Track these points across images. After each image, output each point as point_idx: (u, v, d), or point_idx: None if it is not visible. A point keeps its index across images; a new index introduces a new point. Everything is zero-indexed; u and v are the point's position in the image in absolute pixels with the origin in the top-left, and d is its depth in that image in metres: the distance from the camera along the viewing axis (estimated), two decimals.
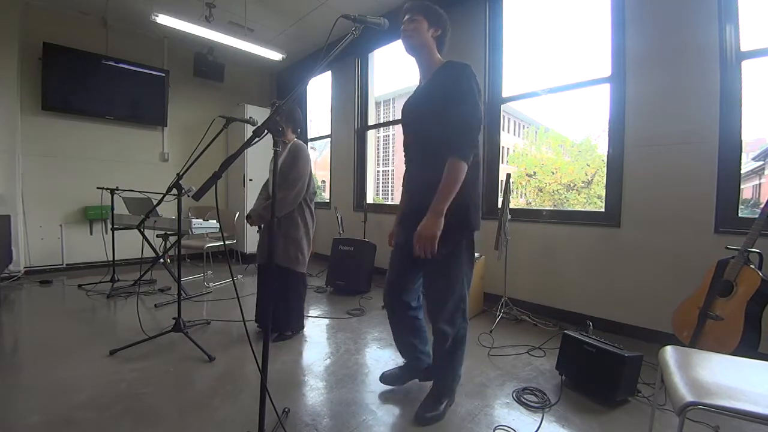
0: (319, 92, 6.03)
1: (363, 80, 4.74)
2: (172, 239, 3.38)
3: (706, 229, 2.22)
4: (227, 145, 5.37)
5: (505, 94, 3.32)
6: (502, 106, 3.35)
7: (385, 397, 1.76)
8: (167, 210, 3.36)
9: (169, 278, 3.50)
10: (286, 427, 1.47)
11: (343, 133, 4.98)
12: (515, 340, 2.46)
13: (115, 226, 3.57)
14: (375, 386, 1.84)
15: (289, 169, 2.28)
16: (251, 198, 4.84)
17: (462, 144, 1.38)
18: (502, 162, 3.44)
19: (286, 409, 1.59)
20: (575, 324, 2.50)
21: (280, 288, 2.35)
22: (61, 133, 4.21)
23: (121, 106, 4.52)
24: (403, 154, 1.71)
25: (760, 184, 3.20)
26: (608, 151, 2.69)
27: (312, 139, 5.90)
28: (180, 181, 2.22)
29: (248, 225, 2.47)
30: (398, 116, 1.75)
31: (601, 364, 1.72)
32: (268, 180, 2.51)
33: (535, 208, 3.87)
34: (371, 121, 4.77)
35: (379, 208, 4.57)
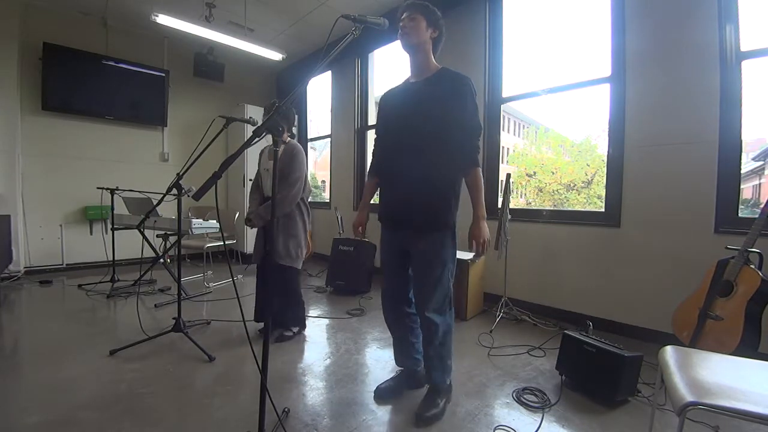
0: (319, 92, 6.03)
1: (363, 80, 4.74)
2: (172, 239, 3.38)
3: (706, 229, 2.22)
4: (227, 145, 5.37)
5: (505, 94, 3.32)
6: (502, 106, 3.35)
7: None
8: (167, 210, 3.36)
9: (169, 278, 3.50)
10: (286, 427, 1.47)
11: (343, 133, 4.98)
12: (515, 340, 2.46)
13: (115, 226, 3.57)
14: (375, 386, 1.83)
15: (288, 169, 2.28)
16: None
17: (477, 155, 1.57)
18: (502, 162, 3.44)
19: (286, 409, 1.59)
20: (575, 324, 2.50)
21: (280, 286, 2.35)
22: (61, 133, 4.21)
23: (121, 106, 4.52)
24: (379, 144, 1.75)
25: (760, 184, 3.20)
26: (608, 151, 2.69)
27: (312, 139, 5.90)
28: (180, 181, 2.22)
29: (247, 227, 2.47)
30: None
31: (601, 364, 1.72)
32: (260, 181, 2.49)
33: (535, 208, 3.86)
34: (371, 121, 4.77)
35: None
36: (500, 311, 2.80)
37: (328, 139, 5.39)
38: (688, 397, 0.94)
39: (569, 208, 4.96)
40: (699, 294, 1.86)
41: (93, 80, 4.28)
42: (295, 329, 2.47)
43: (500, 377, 1.97)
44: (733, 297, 1.73)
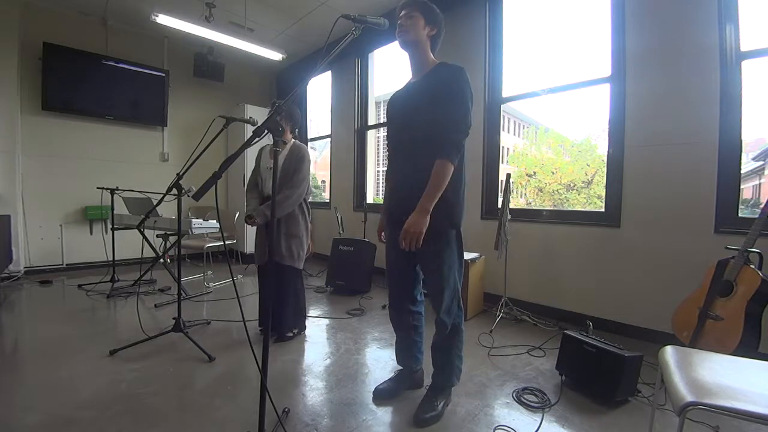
0: (319, 92, 6.04)
1: (363, 80, 4.74)
2: (172, 239, 3.38)
3: (706, 229, 2.22)
4: (227, 145, 5.37)
5: (505, 94, 3.31)
6: (502, 106, 3.35)
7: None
8: (167, 210, 3.36)
9: (169, 278, 3.49)
10: (286, 427, 1.47)
11: (343, 133, 4.98)
12: (515, 340, 2.46)
13: (115, 226, 3.57)
14: (375, 386, 1.83)
15: (295, 170, 2.28)
16: None
17: (450, 145, 1.42)
18: (502, 162, 3.44)
19: (286, 409, 1.59)
20: (575, 324, 2.50)
21: (281, 287, 2.35)
22: (61, 133, 4.21)
23: (121, 106, 4.52)
24: (386, 147, 1.74)
25: (760, 184, 3.20)
26: (608, 151, 2.69)
27: (312, 139, 5.90)
28: (180, 181, 2.22)
29: (248, 225, 2.46)
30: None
31: (601, 364, 1.72)
32: (259, 180, 2.46)
33: (535, 208, 3.86)
34: (371, 121, 4.77)
35: (379, 208, 4.56)
36: (500, 311, 2.80)
37: (328, 139, 5.39)
38: (688, 397, 0.94)
39: (569, 208, 4.96)
40: (699, 294, 1.86)
41: (93, 80, 4.28)
42: (295, 330, 2.47)
43: (500, 377, 1.97)
44: (733, 297, 1.73)
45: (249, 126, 2.19)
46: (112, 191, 3.48)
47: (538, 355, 2.24)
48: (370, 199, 4.83)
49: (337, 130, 5.11)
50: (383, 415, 1.63)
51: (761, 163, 3.15)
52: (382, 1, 3.79)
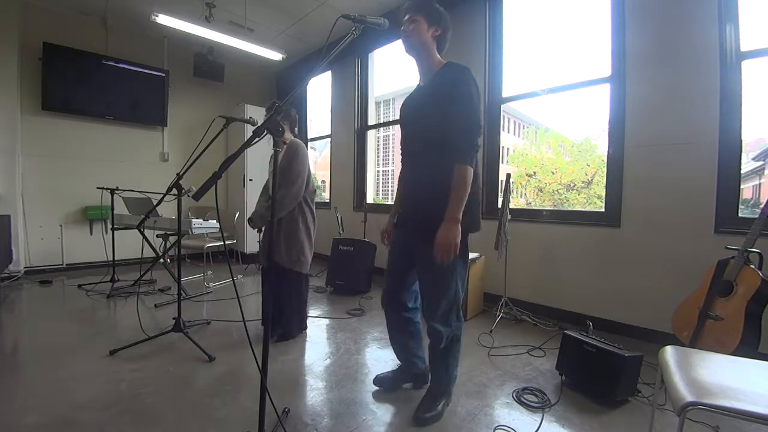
0: (319, 92, 6.03)
1: (363, 80, 4.74)
2: (172, 239, 3.37)
3: (706, 229, 2.22)
4: (227, 145, 5.37)
5: (505, 94, 3.32)
6: (502, 106, 3.35)
7: (384, 397, 1.76)
8: (167, 210, 3.37)
9: (169, 278, 3.49)
10: (286, 427, 1.47)
11: (343, 133, 4.98)
12: (515, 340, 2.46)
13: (115, 226, 3.57)
14: (375, 386, 1.84)
15: (288, 167, 2.27)
16: (251, 198, 4.84)
17: (466, 149, 1.41)
18: (502, 162, 3.44)
19: (286, 409, 1.59)
20: (575, 324, 2.50)
21: (283, 290, 2.35)
22: (61, 133, 4.21)
23: (121, 106, 4.52)
24: (400, 152, 1.73)
25: (760, 184, 3.20)
26: (608, 151, 2.69)
27: (312, 139, 5.90)
28: (180, 181, 2.22)
29: (249, 227, 2.47)
30: (398, 116, 1.75)
31: (601, 364, 1.72)
32: (267, 181, 2.50)
33: (535, 208, 3.86)
34: (371, 121, 4.77)
35: (379, 208, 4.56)
36: (500, 311, 2.80)
37: (328, 139, 5.39)
38: (688, 397, 0.94)
39: (569, 208, 4.96)
40: (699, 294, 1.86)
41: (93, 80, 4.27)
42: (295, 334, 2.46)
43: (500, 377, 1.97)
44: (733, 297, 1.73)
45: (249, 126, 2.19)
46: (112, 191, 3.48)
47: (538, 355, 2.24)
48: (370, 199, 4.83)
49: (337, 130, 5.11)
50: (383, 415, 1.63)
51: (761, 163, 3.15)
52: (382, 1, 3.79)
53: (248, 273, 4.36)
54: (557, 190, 6.71)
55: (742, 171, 2.20)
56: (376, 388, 1.82)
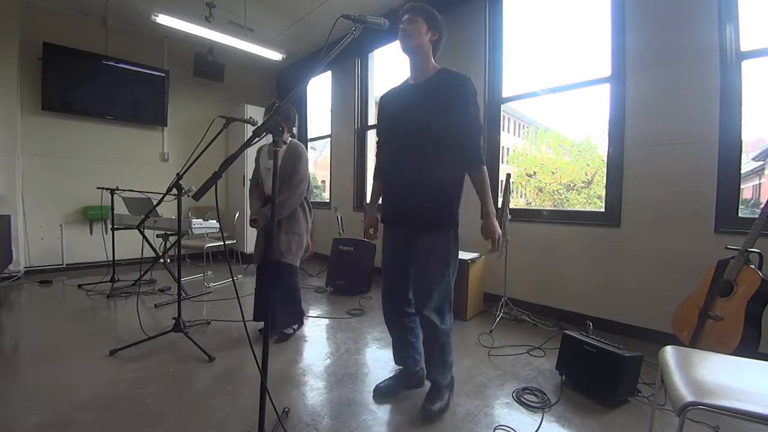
0: (319, 92, 6.04)
1: (363, 80, 4.74)
2: (172, 239, 3.38)
3: (706, 229, 2.22)
4: (227, 145, 5.36)
5: (505, 94, 3.32)
6: (502, 106, 3.35)
7: (384, 398, 1.75)
8: (167, 210, 3.36)
9: (169, 278, 3.49)
10: (286, 427, 1.47)
11: (343, 133, 4.98)
12: (515, 340, 2.46)
13: (115, 226, 3.57)
14: (375, 386, 1.83)
15: (293, 170, 2.29)
16: None
17: (481, 154, 1.56)
18: (502, 162, 3.44)
19: (286, 409, 1.59)
20: (575, 324, 2.50)
21: (277, 284, 2.35)
22: (61, 133, 4.21)
23: (121, 106, 4.52)
24: (382, 148, 1.75)
25: (760, 184, 3.20)
26: (608, 151, 2.69)
27: (312, 139, 5.90)
28: (180, 181, 2.22)
29: (249, 225, 2.47)
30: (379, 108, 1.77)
31: (601, 364, 1.72)
32: (260, 180, 2.48)
33: (535, 208, 3.87)
34: (371, 121, 4.77)
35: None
36: (500, 311, 2.80)
37: (328, 139, 5.38)
38: (688, 397, 0.94)
39: (569, 208, 4.96)
40: (699, 294, 1.86)
41: (93, 80, 4.27)
42: (295, 326, 2.47)
43: (500, 377, 1.97)
44: (733, 297, 1.73)
45: (249, 126, 2.19)
46: (112, 191, 3.48)
47: (538, 355, 2.24)
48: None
49: (337, 130, 5.10)
50: (383, 414, 1.63)
51: (761, 163, 3.15)
52: (382, 1, 3.79)
53: (248, 273, 4.36)
54: (557, 190, 6.72)
55: (742, 171, 2.20)
56: (376, 387, 1.81)
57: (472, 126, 1.53)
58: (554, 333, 2.54)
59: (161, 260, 3.47)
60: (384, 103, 1.72)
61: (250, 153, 4.72)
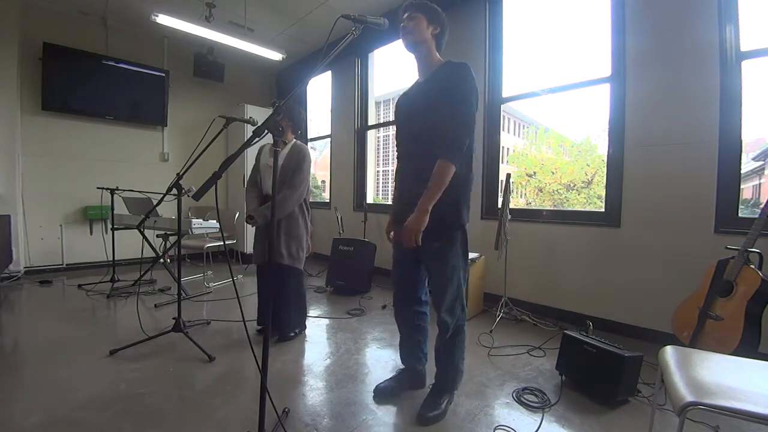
0: (319, 92, 6.04)
1: (363, 80, 4.74)
2: (172, 239, 3.37)
3: (706, 229, 2.22)
4: (227, 145, 5.37)
5: (505, 94, 3.31)
6: (502, 106, 3.35)
7: (384, 398, 1.75)
8: (167, 210, 3.36)
9: (169, 278, 3.49)
10: (286, 427, 1.47)
11: (343, 133, 4.98)
12: (515, 340, 2.46)
13: (115, 226, 3.57)
14: (375, 386, 1.83)
15: (295, 171, 2.27)
16: None
17: (451, 146, 1.42)
18: (502, 162, 3.44)
19: (286, 409, 1.59)
20: (575, 324, 2.50)
21: (282, 287, 2.35)
22: (61, 133, 4.21)
23: (121, 106, 4.52)
24: (396, 148, 1.74)
25: (760, 184, 3.20)
26: (608, 151, 2.69)
27: (312, 139, 5.90)
28: (180, 181, 2.22)
29: (248, 225, 2.45)
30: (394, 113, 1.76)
31: (601, 364, 1.72)
32: (258, 178, 2.45)
33: (535, 208, 3.86)
34: (371, 121, 4.77)
35: (378, 208, 4.56)
36: (500, 311, 2.80)
37: (328, 139, 5.38)
38: (688, 397, 0.94)
39: (569, 208, 4.96)
40: (699, 294, 1.86)
41: (93, 80, 4.27)
42: (297, 330, 2.47)
43: (500, 377, 1.97)
44: (733, 297, 1.73)
45: (249, 126, 2.19)
46: (112, 191, 3.48)
47: (538, 355, 2.24)
48: (370, 199, 4.83)
49: (337, 130, 5.10)
50: (383, 415, 1.63)
51: (761, 163, 3.15)
52: (382, 1, 3.79)
53: (248, 273, 4.36)
54: (557, 190, 6.71)
55: (742, 171, 2.20)
56: (376, 387, 1.81)
57: (456, 120, 1.42)
58: (554, 333, 2.54)
59: (161, 260, 3.47)
60: (397, 104, 1.72)
61: (250, 153, 4.71)
